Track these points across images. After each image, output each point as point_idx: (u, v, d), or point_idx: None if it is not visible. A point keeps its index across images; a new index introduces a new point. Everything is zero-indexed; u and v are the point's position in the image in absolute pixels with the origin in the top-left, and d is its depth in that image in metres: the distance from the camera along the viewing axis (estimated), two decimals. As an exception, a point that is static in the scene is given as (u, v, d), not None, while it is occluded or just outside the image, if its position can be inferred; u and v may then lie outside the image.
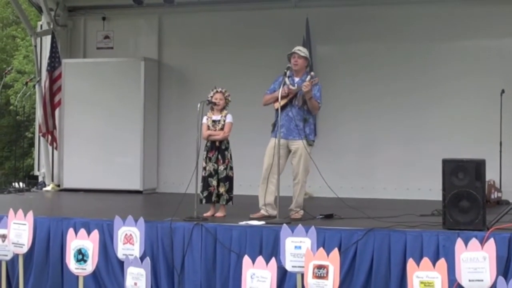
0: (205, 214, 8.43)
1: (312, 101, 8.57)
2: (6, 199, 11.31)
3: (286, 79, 8.64)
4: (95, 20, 13.84)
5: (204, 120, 8.74)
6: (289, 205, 8.68)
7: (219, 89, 8.79)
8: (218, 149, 8.68)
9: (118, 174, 12.74)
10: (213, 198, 8.65)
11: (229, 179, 8.69)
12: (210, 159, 8.67)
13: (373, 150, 12.17)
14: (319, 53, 12.44)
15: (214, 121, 8.72)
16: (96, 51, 13.82)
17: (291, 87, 8.61)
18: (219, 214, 8.65)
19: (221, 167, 8.63)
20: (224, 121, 8.70)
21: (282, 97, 8.46)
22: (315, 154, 8.79)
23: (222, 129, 8.68)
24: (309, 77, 8.55)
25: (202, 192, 8.65)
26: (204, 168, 8.67)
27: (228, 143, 8.74)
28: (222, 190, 8.64)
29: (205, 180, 8.66)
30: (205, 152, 8.70)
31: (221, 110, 8.77)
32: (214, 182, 8.64)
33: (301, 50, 8.78)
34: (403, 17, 12.13)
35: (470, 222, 7.12)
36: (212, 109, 8.81)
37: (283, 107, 8.54)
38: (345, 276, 7.19)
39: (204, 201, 8.65)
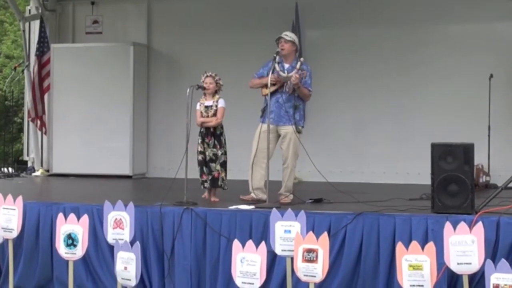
0: (202, 196, 8.45)
1: (302, 89, 8.58)
2: (-5, 184, 11.29)
3: (276, 65, 8.62)
4: (84, 5, 13.78)
5: (198, 106, 8.71)
6: (278, 190, 8.70)
7: (209, 73, 8.75)
8: (213, 134, 8.68)
9: (108, 159, 12.73)
10: (219, 183, 8.67)
11: (226, 164, 8.74)
12: (208, 144, 8.65)
13: (362, 135, 12.20)
14: (308, 38, 12.42)
15: (206, 107, 8.70)
16: (85, 36, 13.77)
17: (281, 73, 8.59)
18: (215, 199, 8.69)
19: (219, 152, 8.66)
20: (217, 106, 8.68)
21: (271, 85, 8.46)
22: (304, 139, 8.80)
23: (214, 114, 8.66)
24: (298, 64, 8.55)
25: (202, 176, 8.65)
26: (202, 153, 8.65)
27: (222, 127, 8.75)
28: (222, 174, 8.68)
29: (204, 164, 8.65)
30: (200, 137, 8.69)
31: (213, 95, 8.75)
32: (218, 167, 8.65)
33: (288, 35, 8.76)
34: (392, 1, 12.11)
35: (459, 206, 7.15)
36: (204, 94, 8.80)
37: (272, 93, 8.53)
38: (335, 260, 7.21)
39: (208, 185, 8.65)
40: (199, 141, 8.70)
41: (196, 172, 8.71)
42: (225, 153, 8.73)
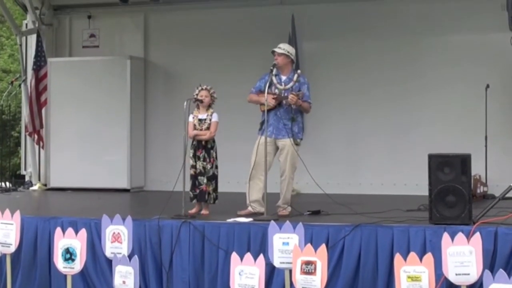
0: (190, 212, 8.42)
1: (302, 104, 8.61)
2: (-7, 199, 11.27)
3: (273, 78, 8.65)
4: (81, 19, 13.79)
5: (190, 118, 8.69)
6: (276, 202, 8.70)
7: (204, 87, 8.76)
8: (204, 147, 8.67)
9: (105, 172, 12.70)
10: (206, 197, 8.60)
11: (215, 178, 8.70)
12: (199, 157, 8.64)
13: (359, 146, 12.18)
14: (305, 50, 12.44)
15: (200, 120, 8.70)
16: (82, 49, 13.77)
17: (278, 85, 8.62)
18: (205, 212, 8.64)
19: (208, 166, 8.63)
20: (211, 120, 8.68)
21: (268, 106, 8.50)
22: (302, 151, 8.81)
23: (208, 128, 8.67)
24: (295, 76, 8.58)
25: (191, 190, 8.63)
26: (194, 167, 8.64)
27: (214, 141, 8.74)
28: (210, 189, 8.64)
29: (194, 178, 8.64)
30: (192, 151, 8.67)
31: (207, 108, 8.76)
32: (205, 181, 8.62)
33: (281, 47, 8.77)
34: (388, 12, 12.11)
35: (457, 216, 7.17)
36: (198, 107, 8.80)
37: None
38: (333, 272, 7.22)
39: (195, 199, 8.62)
40: (191, 154, 8.68)
41: (194, 185, 8.71)
42: (215, 167, 8.70)
